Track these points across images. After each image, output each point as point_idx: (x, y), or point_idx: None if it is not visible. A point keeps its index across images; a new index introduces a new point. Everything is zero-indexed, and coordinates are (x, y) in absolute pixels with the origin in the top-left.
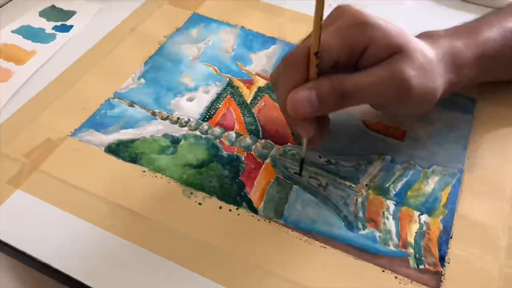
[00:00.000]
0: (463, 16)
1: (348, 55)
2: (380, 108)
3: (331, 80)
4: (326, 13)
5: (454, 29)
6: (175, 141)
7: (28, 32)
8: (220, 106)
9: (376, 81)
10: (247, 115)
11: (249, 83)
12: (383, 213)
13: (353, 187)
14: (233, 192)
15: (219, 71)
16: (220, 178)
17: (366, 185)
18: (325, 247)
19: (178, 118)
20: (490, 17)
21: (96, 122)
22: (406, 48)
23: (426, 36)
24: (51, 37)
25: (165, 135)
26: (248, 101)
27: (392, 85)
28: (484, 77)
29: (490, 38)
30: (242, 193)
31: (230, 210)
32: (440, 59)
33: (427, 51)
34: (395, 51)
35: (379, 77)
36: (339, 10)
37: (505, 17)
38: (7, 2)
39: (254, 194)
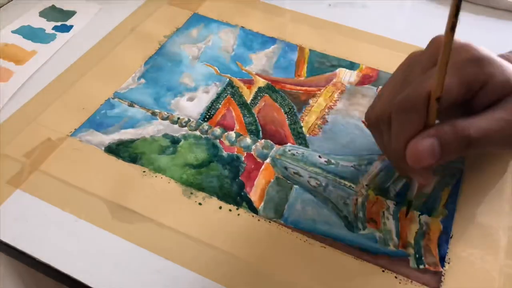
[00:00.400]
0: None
1: (464, 94)
2: (486, 151)
3: (455, 127)
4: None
5: None
6: (175, 141)
7: (28, 32)
8: (220, 106)
9: (502, 126)
10: (247, 115)
11: (249, 83)
12: (383, 213)
13: (353, 187)
14: (233, 192)
15: (219, 71)
16: (220, 178)
17: (366, 185)
18: (325, 247)
19: (178, 118)
20: None
21: (96, 122)
22: None
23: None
24: (51, 37)
25: (165, 135)
26: (248, 101)
27: None
28: None
29: None
30: (242, 193)
31: (230, 210)
32: None
33: None
34: None
35: (504, 121)
36: (440, 42)
37: None
38: (7, 2)
39: (254, 194)
